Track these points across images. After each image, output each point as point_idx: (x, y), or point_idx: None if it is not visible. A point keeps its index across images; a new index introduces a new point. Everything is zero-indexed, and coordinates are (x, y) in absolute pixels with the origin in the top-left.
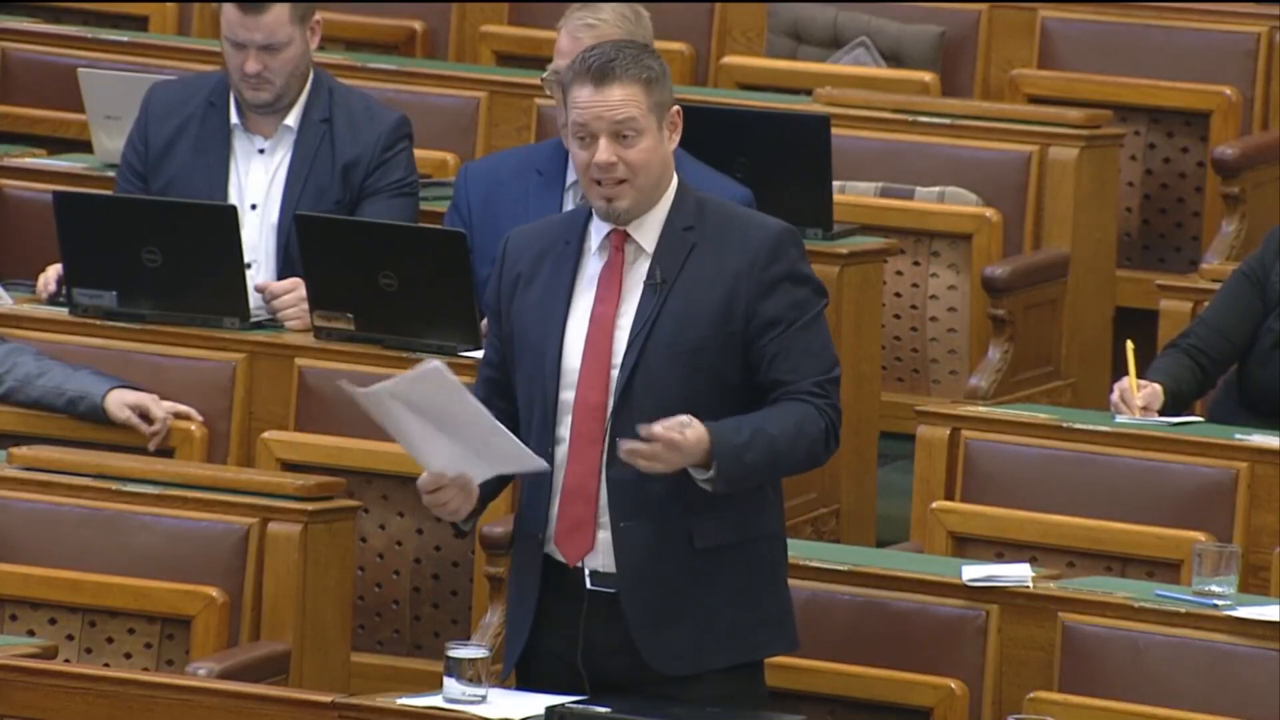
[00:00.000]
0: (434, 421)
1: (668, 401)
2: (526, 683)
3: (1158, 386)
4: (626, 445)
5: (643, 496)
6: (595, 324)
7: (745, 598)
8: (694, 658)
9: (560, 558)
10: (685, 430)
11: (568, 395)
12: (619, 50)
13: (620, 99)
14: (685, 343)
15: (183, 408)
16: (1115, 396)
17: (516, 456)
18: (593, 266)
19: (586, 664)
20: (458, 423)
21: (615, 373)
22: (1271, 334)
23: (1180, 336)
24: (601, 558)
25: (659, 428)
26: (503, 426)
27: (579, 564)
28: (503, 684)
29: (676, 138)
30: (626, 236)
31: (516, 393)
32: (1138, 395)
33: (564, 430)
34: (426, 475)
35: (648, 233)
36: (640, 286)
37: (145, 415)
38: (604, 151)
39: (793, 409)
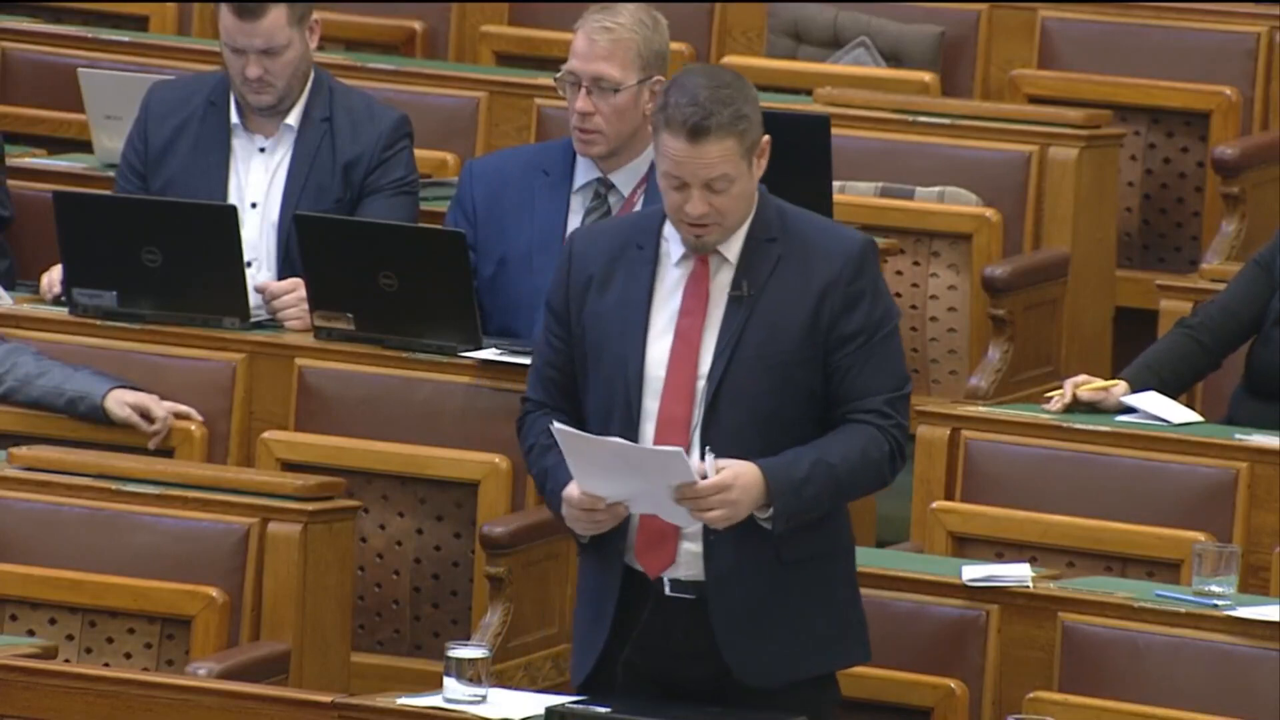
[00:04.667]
0: (625, 473)
1: (754, 414)
2: (597, 695)
3: (1120, 384)
4: (683, 487)
5: None
6: (681, 336)
7: (830, 609)
8: (783, 670)
9: (640, 568)
10: (734, 480)
11: (651, 405)
12: (712, 102)
13: (716, 156)
14: (773, 355)
15: (183, 408)
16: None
17: (686, 516)
18: (673, 274)
19: (665, 672)
20: (654, 481)
21: (701, 384)
22: (1275, 312)
23: (1191, 316)
24: (684, 568)
25: (701, 485)
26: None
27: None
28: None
29: (764, 162)
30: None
31: (587, 397)
32: (1086, 388)
33: (646, 441)
34: (580, 494)
35: (731, 244)
36: (724, 297)
37: (146, 415)
38: (697, 203)
39: (857, 434)
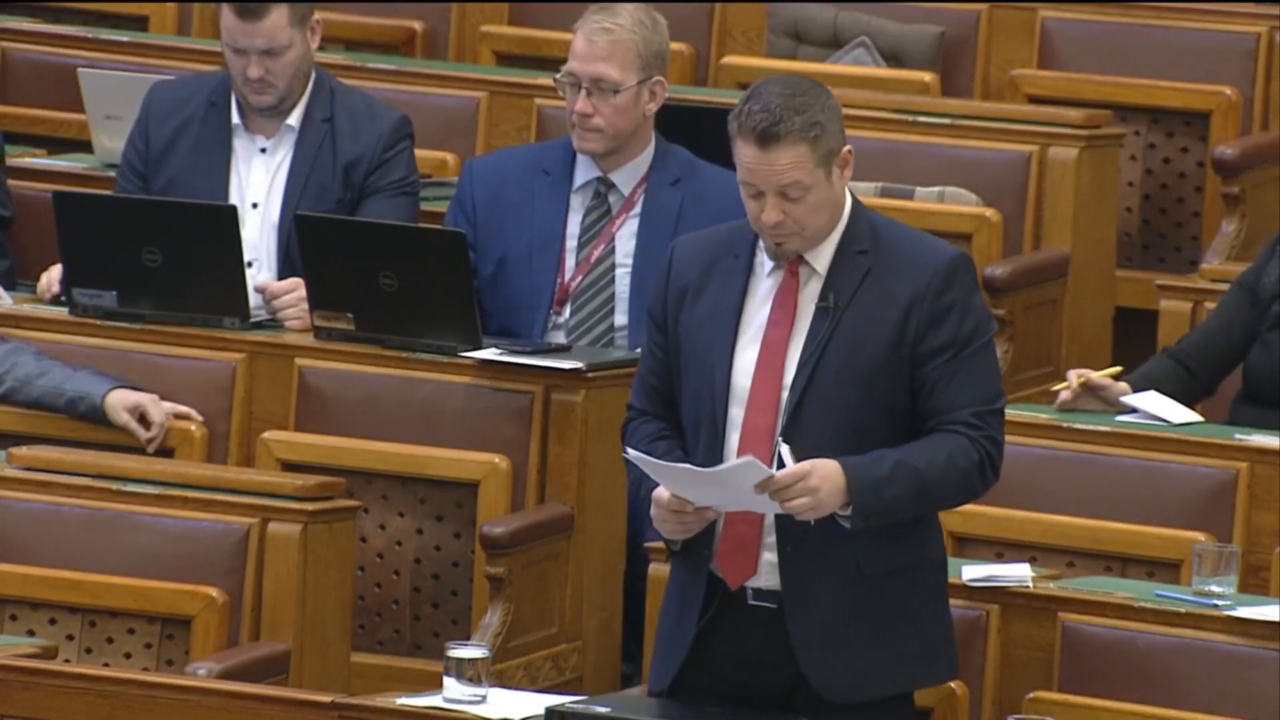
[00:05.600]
0: (707, 486)
1: (838, 425)
2: (677, 699)
3: (1122, 385)
4: (766, 481)
5: (808, 521)
6: (768, 346)
7: (911, 624)
8: (861, 685)
9: (722, 576)
10: (812, 469)
11: (736, 414)
12: (785, 109)
13: (787, 163)
14: (857, 367)
15: (182, 408)
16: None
17: (775, 505)
18: (765, 285)
19: (743, 681)
20: (737, 489)
21: (785, 394)
22: (1271, 317)
23: (1176, 344)
24: (764, 578)
25: (779, 475)
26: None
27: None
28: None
29: (848, 173)
30: (801, 258)
31: (682, 406)
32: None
33: (731, 450)
34: (669, 495)
35: (821, 255)
36: (813, 308)
37: (144, 418)
38: (772, 211)
39: (945, 440)
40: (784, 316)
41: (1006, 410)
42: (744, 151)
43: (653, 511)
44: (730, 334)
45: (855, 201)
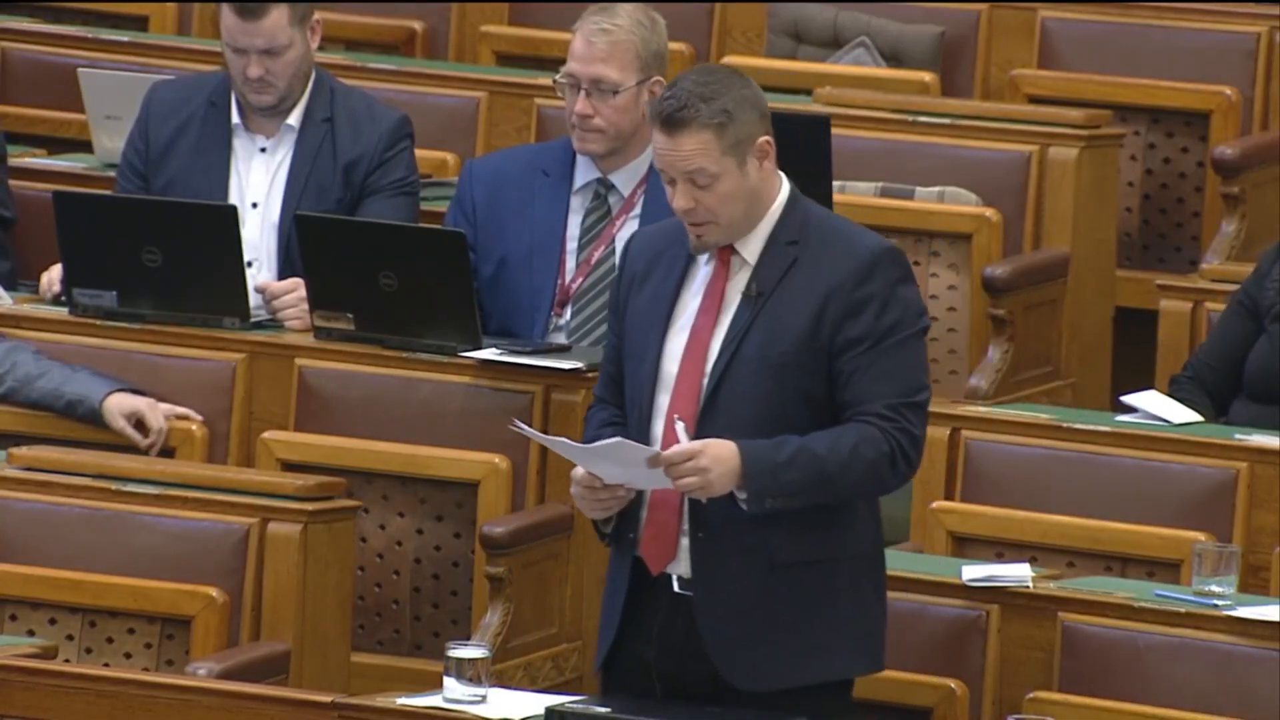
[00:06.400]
0: (615, 463)
1: (754, 413)
2: (609, 682)
3: None
4: (651, 456)
5: (723, 508)
6: (694, 334)
7: (826, 616)
8: (772, 675)
9: (644, 560)
10: (703, 448)
11: (663, 401)
12: (692, 96)
13: (691, 149)
14: (773, 356)
15: (181, 409)
16: None
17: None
18: (701, 274)
19: (664, 669)
20: (631, 465)
21: (705, 381)
22: (1274, 312)
23: (1182, 373)
24: (685, 565)
25: (666, 452)
26: None
27: (665, 571)
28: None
29: (769, 164)
30: (732, 249)
31: (626, 394)
32: None
33: (656, 436)
34: (583, 471)
35: (752, 245)
36: (739, 297)
37: (141, 424)
38: (681, 198)
39: (853, 430)
40: (711, 305)
41: (1006, 410)
42: (655, 137)
43: (572, 491)
44: (663, 322)
45: (792, 193)
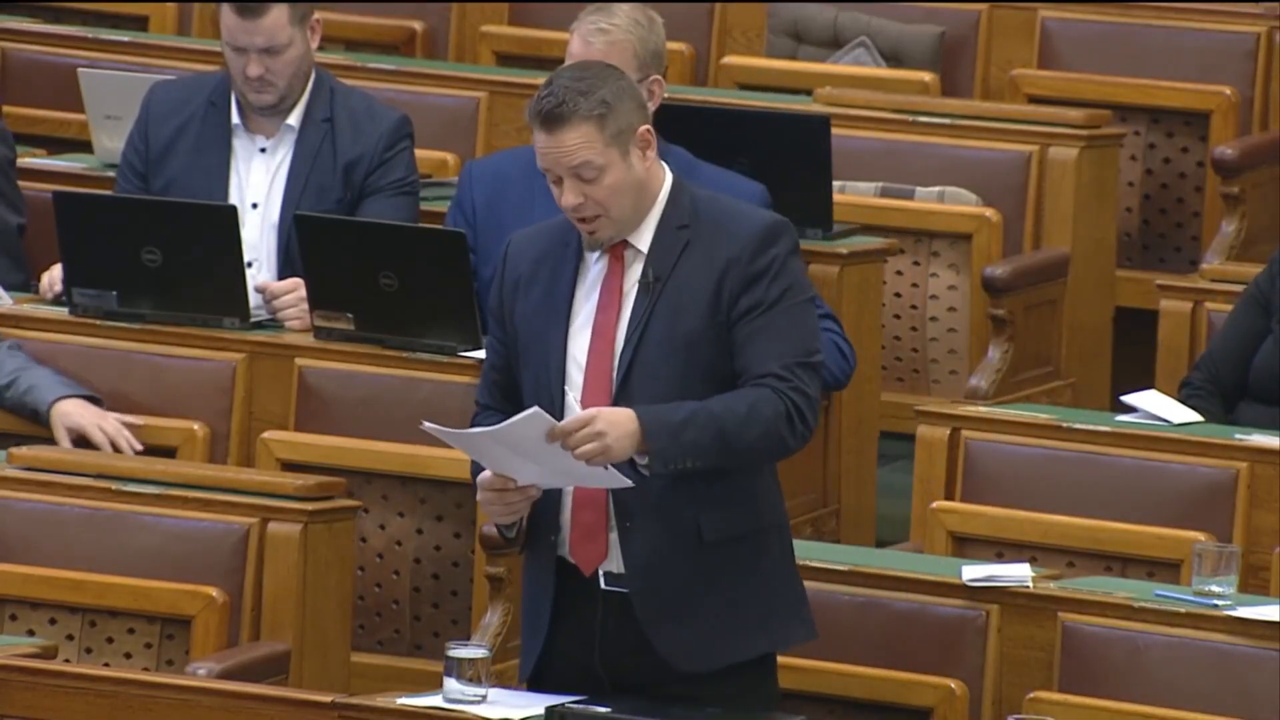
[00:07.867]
0: (522, 452)
1: (665, 395)
2: (541, 687)
3: None
4: (552, 429)
5: (647, 495)
6: (597, 330)
7: (760, 589)
8: (713, 653)
9: (575, 563)
10: (597, 414)
11: (573, 399)
12: (569, 91)
13: (574, 143)
14: (678, 337)
15: (130, 418)
16: None
17: (604, 476)
18: (594, 271)
19: (604, 665)
20: (549, 451)
21: (614, 373)
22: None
23: (1194, 373)
24: (615, 561)
25: (561, 424)
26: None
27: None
28: (521, 688)
29: (652, 153)
30: (625, 242)
31: (523, 396)
32: None
33: None
34: (492, 475)
35: (643, 235)
36: (637, 287)
37: (83, 440)
38: (570, 194)
39: (747, 392)
40: (611, 300)
41: (1006, 410)
42: (536, 138)
43: (478, 496)
44: (563, 322)
45: (675, 179)
